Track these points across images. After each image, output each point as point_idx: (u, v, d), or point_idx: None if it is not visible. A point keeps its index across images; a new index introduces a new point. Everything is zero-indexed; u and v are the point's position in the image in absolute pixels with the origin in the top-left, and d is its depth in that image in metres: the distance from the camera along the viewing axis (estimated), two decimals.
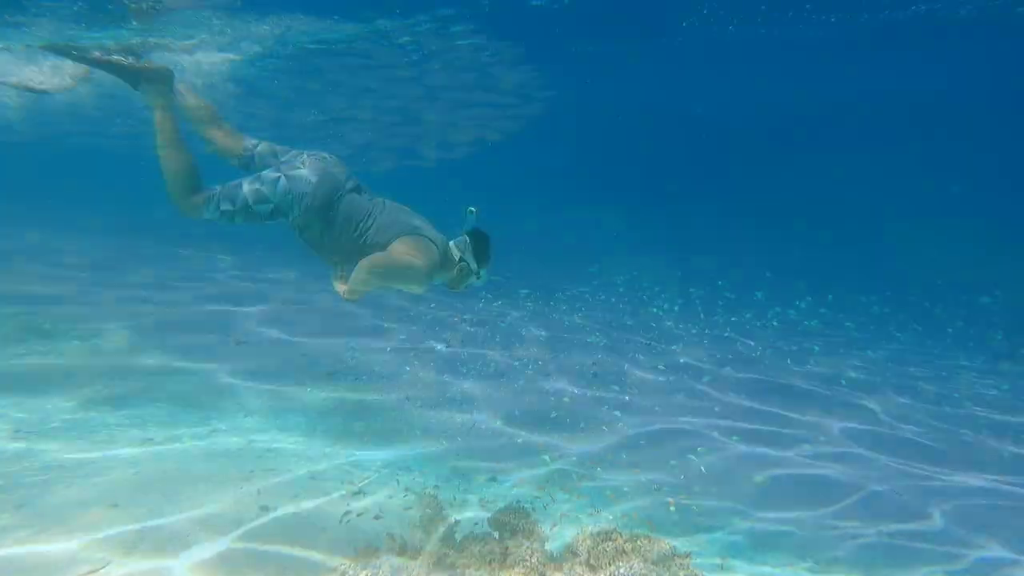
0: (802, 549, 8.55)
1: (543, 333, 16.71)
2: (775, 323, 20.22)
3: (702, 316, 20.05)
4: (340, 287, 3.60)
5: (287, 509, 7.35)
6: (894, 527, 8.82)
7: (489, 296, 17.64)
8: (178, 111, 3.51)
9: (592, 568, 5.06)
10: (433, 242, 3.75)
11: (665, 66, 17.92)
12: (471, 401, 16.31)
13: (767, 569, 11.16)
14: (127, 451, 7.93)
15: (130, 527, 5.74)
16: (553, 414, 13.24)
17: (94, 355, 11.50)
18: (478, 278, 3.98)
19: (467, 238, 3.92)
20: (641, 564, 5.08)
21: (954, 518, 9.01)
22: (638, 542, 5.47)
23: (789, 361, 16.90)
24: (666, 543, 5.58)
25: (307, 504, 7.70)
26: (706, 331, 18.51)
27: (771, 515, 8.99)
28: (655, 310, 19.83)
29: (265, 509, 7.17)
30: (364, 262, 3.43)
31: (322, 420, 15.55)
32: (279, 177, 3.37)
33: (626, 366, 15.03)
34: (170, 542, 5.82)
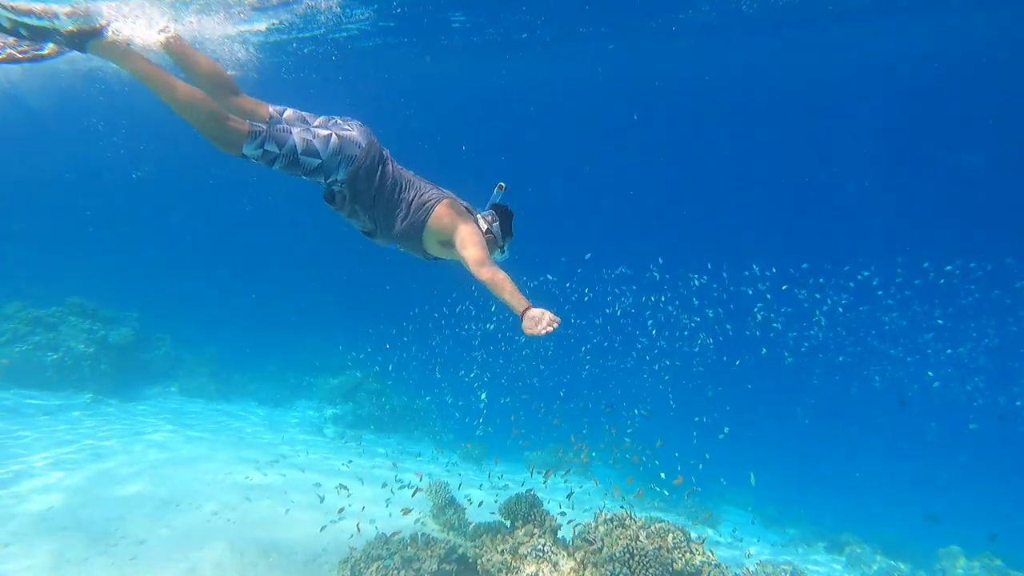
0: None
1: None
2: None
3: None
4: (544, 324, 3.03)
5: (305, 496, 7.34)
6: None
7: None
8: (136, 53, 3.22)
9: (606, 556, 4.96)
10: (469, 210, 3.73)
11: None
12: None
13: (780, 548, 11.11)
14: None
15: None
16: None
17: None
18: (502, 252, 3.84)
19: (494, 212, 3.80)
20: (655, 550, 4.98)
21: None
22: (652, 527, 5.37)
23: None
24: (679, 528, 5.47)
25: (321, 489, 7.68)
26: None
27: None
28: None
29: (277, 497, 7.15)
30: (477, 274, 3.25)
31: (334, 407, 15.61)
32: (330, 135, 3.19)
33: None
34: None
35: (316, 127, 3.29)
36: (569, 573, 4.92)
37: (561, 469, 13.06)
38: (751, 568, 7.63)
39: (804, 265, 15.98)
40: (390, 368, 16.64)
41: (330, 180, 3.29)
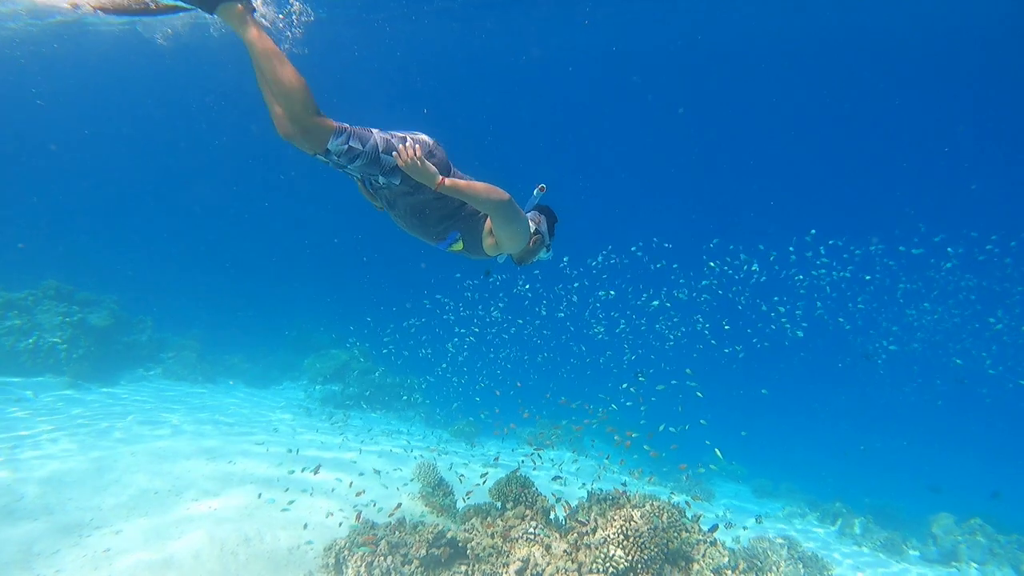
0: None
1: None
2: None
3: None
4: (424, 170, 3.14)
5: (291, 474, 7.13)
6: None
7: None
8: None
9: (600, 538, 4.80)
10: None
11: None
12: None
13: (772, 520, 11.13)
14: None
15: None
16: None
17: None
18: (547, 251, 3.89)
19: (539, 213, 3.82)
20: (650, 530, 4.83)
21: None
22: (647, 507, 5.21)
23: None
24: (675, 506, 5.33)
25: (304, 471, 7.48)
26: None
27: None
28: None
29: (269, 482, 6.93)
30: (501, 205, 3.24)
31: (321, 386, 15.38)
32: (405, 136, 3.27)
33: None
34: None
35: (390, 132, 3.32)
36: (562, 556, 4.77)
37: (553, 447, 12.99)
38: (745, 543, 7.55)
39: (794, 250, 15.91)
40: (378, 344, 16.43)
41: (403, 180, 3.30)
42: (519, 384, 11.69)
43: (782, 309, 16.52)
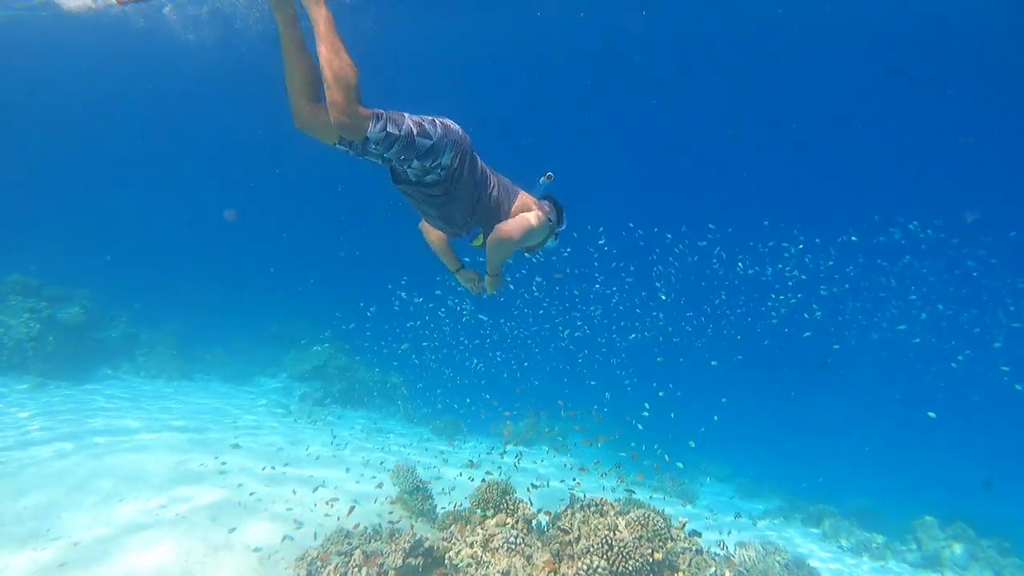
0: None
1: None
2: None
3: None
4: (477, 285, 3.72)
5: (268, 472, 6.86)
6: None
7: None
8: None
9: (583, 548, 4.63)
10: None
11: None
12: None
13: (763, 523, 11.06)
14: None
15: None
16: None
17: None
18: (555, 239, 3.99)
19: (548, 202, 3.91)
20: (635, 540, 4.66)
21: None
22: (631, 514, 5.05)
23: None
24: (659, 513, 5.18)
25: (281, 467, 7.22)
26: None
27: None
28: None
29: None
30: (500, 235, 3.49)
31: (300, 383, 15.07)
32: (435, 120, 3.25)
33: None
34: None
35: (419, 116, 3.26)
36: (544, 567, 4.58)
37: (534, 444, 12.83)
38: (730, 548, 7.44)
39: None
40: (357, 341, 16.14)
41: (434, 164, 3.26)
42: (519, 390, 11.57)
43: (783, 307, 16.53)
